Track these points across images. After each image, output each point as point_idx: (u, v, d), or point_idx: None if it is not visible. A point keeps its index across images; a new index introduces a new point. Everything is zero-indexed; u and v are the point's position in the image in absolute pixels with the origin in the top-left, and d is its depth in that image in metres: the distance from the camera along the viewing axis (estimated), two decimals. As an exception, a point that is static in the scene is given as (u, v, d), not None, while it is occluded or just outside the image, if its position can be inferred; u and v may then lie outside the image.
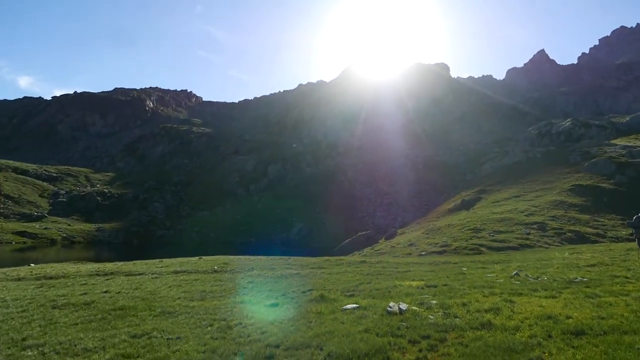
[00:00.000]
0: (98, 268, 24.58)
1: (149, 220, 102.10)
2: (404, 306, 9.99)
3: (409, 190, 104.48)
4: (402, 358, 6.89)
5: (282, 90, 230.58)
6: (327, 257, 30.53)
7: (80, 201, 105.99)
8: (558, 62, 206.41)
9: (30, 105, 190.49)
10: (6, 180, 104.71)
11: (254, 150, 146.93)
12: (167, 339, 8.45)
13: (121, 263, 27.94)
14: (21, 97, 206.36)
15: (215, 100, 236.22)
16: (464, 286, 13.27)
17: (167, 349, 7.75)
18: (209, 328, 9.20)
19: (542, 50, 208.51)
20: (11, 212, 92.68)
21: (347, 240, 56.86)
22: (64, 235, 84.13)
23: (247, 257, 30.26)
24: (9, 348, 8.25)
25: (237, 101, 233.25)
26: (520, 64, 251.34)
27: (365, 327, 8.49)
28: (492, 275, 16.08)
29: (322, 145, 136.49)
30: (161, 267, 24.06)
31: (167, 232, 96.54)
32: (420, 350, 7.21)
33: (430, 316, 9.26)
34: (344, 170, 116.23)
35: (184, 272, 21.28)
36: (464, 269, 19.22)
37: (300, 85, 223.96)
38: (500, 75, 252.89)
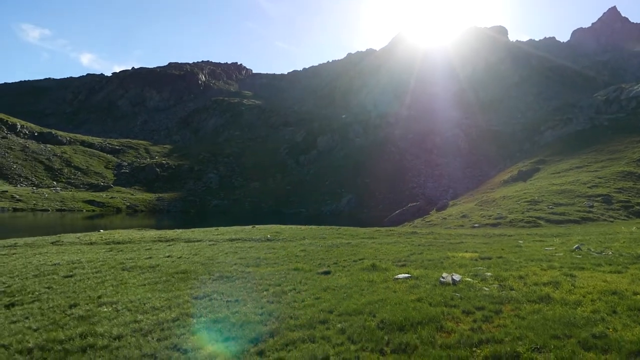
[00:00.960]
0: (160, 235, 26.08)
1: (204, 190, 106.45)
2: (457, 277, 9.89)
3: (461, 161, 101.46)
4: (456, 328, 6.88)
5: (330, 60, 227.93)
6: (377, 228, 30.58)
7: (141, 172, 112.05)
8: (631, 20, 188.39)
9: (92, 81, 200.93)
10: (75, 153, 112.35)
11: (303, 121, 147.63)
12: (227, 301, 8.92)
13: (180, 230, 29.47)
14: (84, 74, 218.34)
15: (265, 72, 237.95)
16: (521, 259, 12.89)
17: (227, 310, 8.19)
18: (264, 292, 9.59)
19: (614, 8, 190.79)
20: (81, 183, 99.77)
21: (397, 212, 56.49)
22: (128, 204, 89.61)
23: (298, 226, 30.91)
24: (87, 304, 9.06)
25: (286, 72, 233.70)
26: (587, 24, 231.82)
27: (417, 297, 8.52)
28: (550, 248, 15.48)
29: (372, 116, 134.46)
30: (217, 234, 25.15)
31: (221, 201, 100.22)
32: (474, 321, 7.15)
33: (484, 288, 9.12)
34: (394, 140, 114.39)
35: (239, 239, 22.14)
36: (520, 241, 18.62)
37: (349, 54, 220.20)
38: (564, 37, 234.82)
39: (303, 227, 30.46)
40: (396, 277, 10.57)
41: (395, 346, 6.27)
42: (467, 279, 9.98)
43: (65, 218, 69.91)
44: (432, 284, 9.67)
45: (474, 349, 6.15)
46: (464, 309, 7.68)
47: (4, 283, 11.92)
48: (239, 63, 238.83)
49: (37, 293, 10.40)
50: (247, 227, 30.85)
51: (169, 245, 20.80)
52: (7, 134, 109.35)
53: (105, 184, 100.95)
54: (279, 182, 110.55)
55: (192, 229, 30.31)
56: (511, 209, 35.93)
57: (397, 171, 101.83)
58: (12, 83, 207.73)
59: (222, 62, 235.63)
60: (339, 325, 7.12)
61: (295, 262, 13.98)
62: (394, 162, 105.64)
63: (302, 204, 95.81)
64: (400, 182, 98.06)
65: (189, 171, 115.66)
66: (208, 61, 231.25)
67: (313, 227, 30.45)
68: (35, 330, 7.62)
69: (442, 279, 9.81)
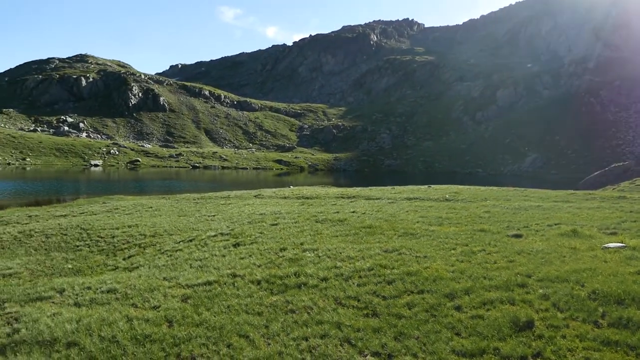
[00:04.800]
0: (341, 192, 28.00)
1: (377, 150, 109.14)
2: (692, 251, 8.24)
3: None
4: (696, 309, 5.82)
5: (513, 3, 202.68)
6: (572, 191, 27.10)
7: (320, 134, 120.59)
8: None
9: (277, 52, 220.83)
10: (265, 118, 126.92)
11: (480, 75, 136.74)
12: (415, 256, 9.23)
13: (359, 188, 31.07)
14: (270, 46, 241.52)
15: (438, 25, 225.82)
16: None
17: (417, 264, 8.50)
18: (452, 251, 9.59)
19: None
20: (271, 144, 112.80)
21: (595, 173, 48.79)
22: (309, 163, 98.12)
23: (477, 187, 29.43)
24: (293, 249, 10.49)
25: (461, 23, 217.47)
26: None
27: (637, 270, 7.43)
28: None
29: (565, 62, 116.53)
30: (394, 193, 25.76)
31: (393, 161, 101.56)
32: None
33: None
34: (595, 90, 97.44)
35: (416, 198, 22.29)
36: None
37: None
38: None
39: (482, 187, 28.88)
40: (605, 245, 9.36)
41: (613, 320, 5.66)
42: None
43: (260, 175, 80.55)
44: (656, 257, 8.28)
45: None
46: None
47: (228, 227, 14.60)
48: (410, 19, 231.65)
49: (253, 236, 12.46)
50: (422, 186, 30.74)
51: (351, 202, 22.22)
52: (214, 104, 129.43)
53: (290, 145, 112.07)
54: (453, 140, 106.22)
55: (370, 188, 31.62)
56: None
57: (596, 126, 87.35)
58: (216, 59, 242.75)
59: (393, 19, 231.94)
60: (540, 291, 6.73)
61: (480, 223, 13.50)
62: (593, 116, 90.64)
63: (479, 164, 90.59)
64: (600, 138, 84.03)
65: (362, 132, 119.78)
66: (379, 20, 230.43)
67: (494, 188, 28.63)
68: (258, 267, 9.22)
69: (670, 252, 8.31)
